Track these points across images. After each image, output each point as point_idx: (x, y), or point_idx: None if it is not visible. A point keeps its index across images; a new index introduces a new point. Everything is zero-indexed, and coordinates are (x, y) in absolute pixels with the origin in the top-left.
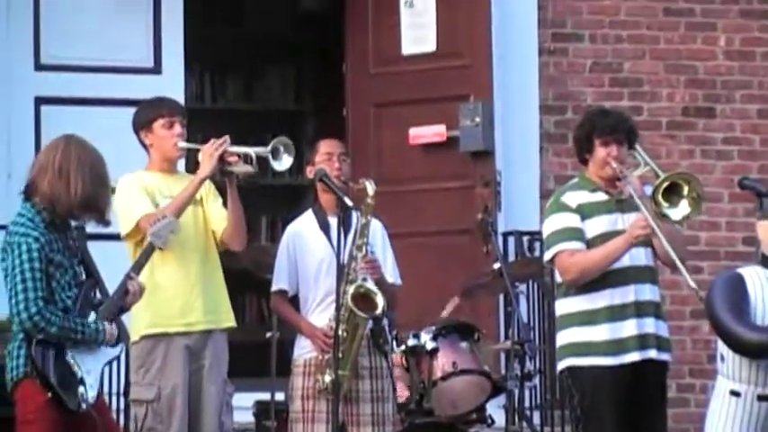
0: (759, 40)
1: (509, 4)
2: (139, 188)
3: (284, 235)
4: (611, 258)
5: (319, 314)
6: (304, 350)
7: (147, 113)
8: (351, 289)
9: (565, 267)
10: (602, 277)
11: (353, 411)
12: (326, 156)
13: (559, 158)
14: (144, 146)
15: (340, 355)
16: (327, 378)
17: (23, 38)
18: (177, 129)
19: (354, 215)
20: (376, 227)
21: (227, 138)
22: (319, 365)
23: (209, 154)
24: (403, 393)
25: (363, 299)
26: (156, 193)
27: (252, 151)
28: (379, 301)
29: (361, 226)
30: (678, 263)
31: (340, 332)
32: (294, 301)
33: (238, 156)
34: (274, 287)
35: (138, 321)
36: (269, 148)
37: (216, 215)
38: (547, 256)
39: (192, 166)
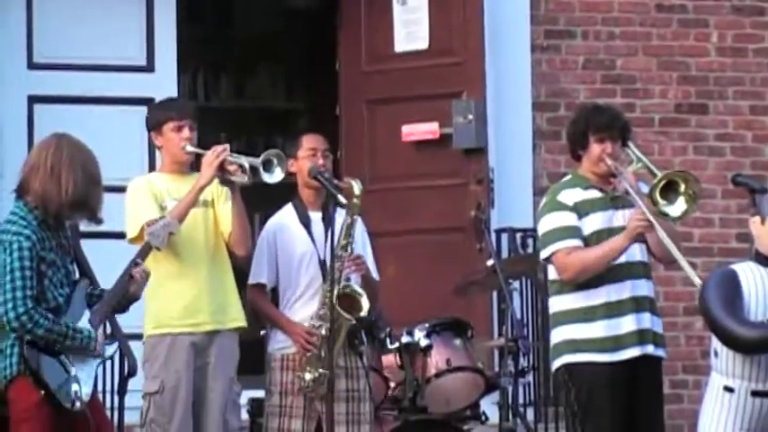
0: (751, 36)
1: (501, 2)
2: (147, 193)
3: (264, 228)
4: (610, 256)
5: (299, 308)
6: (281, 344)
7: (157, 115)
8: (336, 289)
9: (563, 266)
10: (599, 274)
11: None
12: (311, 152)
13: (552, 155)
14: (157, 147)
15: (322, 354)
16: (308, 376)
17: (16, 36)
18: (186, 132)
19: (338, 210)
20: (357, 222)
21: (227, 146)
22: (298, 362)
23: (208, 162)
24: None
25: (348, 299)
26: (165, 196)
27: (247, 162)
28: (364, 303)
29: (347, 225)
30: (678, 254)
31: (323, 331)
32: (272, 293)
33: (238, 165)
34: (252, 280)
35: (147, 322)
36: (260, 159)
37: (225, 217)
38: (544, 254)
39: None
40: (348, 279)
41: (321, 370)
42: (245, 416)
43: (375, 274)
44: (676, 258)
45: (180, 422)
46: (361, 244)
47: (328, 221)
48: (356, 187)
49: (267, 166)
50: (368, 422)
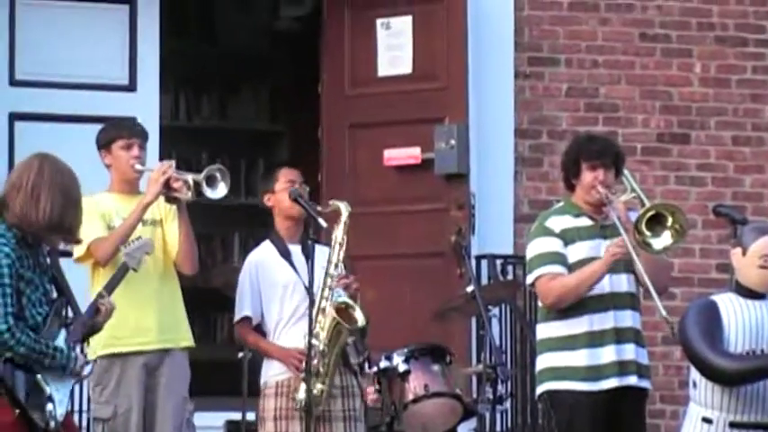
0: (734, 66)
1: (486, 28)
2: (94, 212)
3: (245, 265)
4: (589, 282)
5: (288, 332)
6: (275, 371)
7: (107, 134)
8: (331, 304)
9: (544, 292)
10: (582, 303)
11: (326, 430)
12: (288, 183)
13: (534, 182)
14: (106, 166)
15: (321, 369)
16: (302, 395)
17: None
18: (135, 151)
19: (315, 246)
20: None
21: (172, 163)
22: (292, 387)
23: (154, 179)
24: None
25: (343, 313)
26: (113, 215)
27: (191, 178)
28: (359, 314)
29: (338, 244)
30: (651, 289)
31: (322, 347)
32: (257, 329)
33: (184, 182)
34: (237, 316)
35: (95, 342)
36: (203, 175)
37: (173, 235)
38: (529, 279)
39: None
40: (341, 296)
41: (319, 385)
42: None
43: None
44: (651, 293)
45: None
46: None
47: (308, 253)
48: (344, 208)
49: (210, 181)
50: None
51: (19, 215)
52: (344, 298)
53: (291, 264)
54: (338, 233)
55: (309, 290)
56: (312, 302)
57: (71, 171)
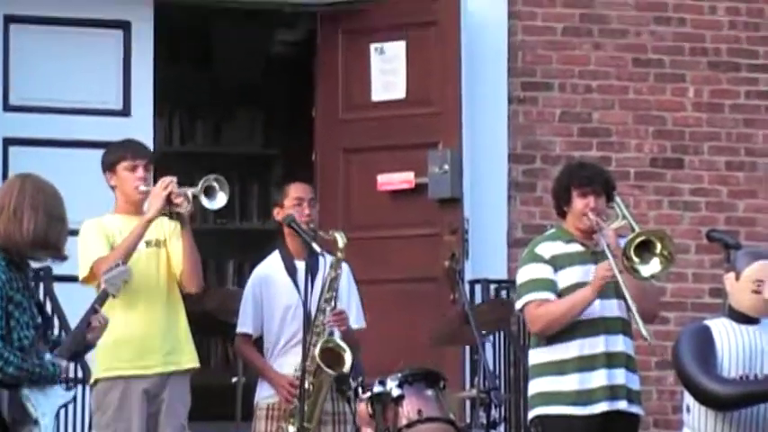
0: (727, 91)
1: (479, 52)
2: (98, 232)
3: (251, 277)
4: (579, 307)
5: (282, 357)
6: (267, 394)
7: (112, 156)
8: (319, 343)
9: (532, 318)
10: (573, 327)
11: None
12: (296, 201)
13: (527, 207)
14: (111, 187)
15: (306, 408)
16: (291, 429)
17: None
18: (139, 172)
19: (321, 260)
20: (343, 268)
21: (173, 179)
22: (282, 412)
23: (156, 194)
24: None
25: (331, 353)
26: (116, 236)
27: (191, 192)
28: (347, 358)
29: (330, 279)
30: (635, 313)
31: (306, 385)
32: (257, 342)
33: (184, 196)
34: (239, 329)
35: (97, 364)
36: (199, 187)
37: (177, 254)
38: (517, 305)
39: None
40: (331, 333)
41: (305, 424)
42: None
43: (359, 322)
44: (632, 313)
45: None
46: (347, 289)
47: (313, 270)
48: (340, 240)
49: (209, 192)
50: None
51: (3, 236)
52: (335, 338)
53: (296, 283)
54: (331, 267)
55: (305, 316)
56: (307, 326)
57: (53, 188)
